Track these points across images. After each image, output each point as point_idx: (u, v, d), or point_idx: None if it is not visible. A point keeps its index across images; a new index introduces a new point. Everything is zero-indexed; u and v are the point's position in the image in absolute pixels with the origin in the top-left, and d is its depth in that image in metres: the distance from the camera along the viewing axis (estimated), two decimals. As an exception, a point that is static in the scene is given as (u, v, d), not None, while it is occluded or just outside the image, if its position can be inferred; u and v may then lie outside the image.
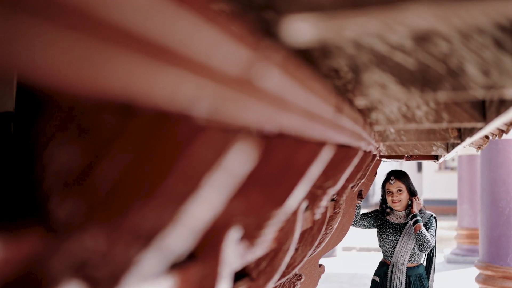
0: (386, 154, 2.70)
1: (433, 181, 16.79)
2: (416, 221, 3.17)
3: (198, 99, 0.34)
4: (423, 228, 3.15)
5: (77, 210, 0.41)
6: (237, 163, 0.44)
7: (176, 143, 0.40)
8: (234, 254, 0.76)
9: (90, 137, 0.41)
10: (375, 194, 17.10)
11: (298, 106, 0.56)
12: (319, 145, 0.83)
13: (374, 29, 0.54)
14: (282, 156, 0.75)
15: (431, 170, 16.92)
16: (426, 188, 16.61)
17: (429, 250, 3.15)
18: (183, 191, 0.41)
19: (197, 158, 0.40)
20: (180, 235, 0.44)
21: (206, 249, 0.69)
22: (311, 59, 0.73)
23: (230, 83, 0.36)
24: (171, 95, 0.32)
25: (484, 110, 1.24)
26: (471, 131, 1.57)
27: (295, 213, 1.13)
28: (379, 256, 3.61)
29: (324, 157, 0.88)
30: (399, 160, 3.36)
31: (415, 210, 3.24)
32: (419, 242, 3.12)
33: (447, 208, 15.26)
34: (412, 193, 3.38)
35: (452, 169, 16.40)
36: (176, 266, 0.62)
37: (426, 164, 16.67)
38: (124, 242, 0.41)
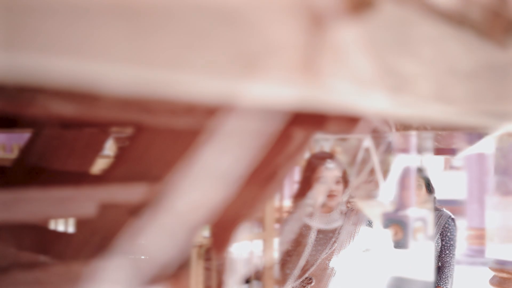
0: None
1: (437, 181, 16.61)
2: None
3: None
4: (443, 284, 3.02)
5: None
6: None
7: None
8: (243, 257, 0.60)
9: None
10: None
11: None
12: (352, 122, 0.66)
13: None
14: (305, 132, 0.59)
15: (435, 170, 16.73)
16: (430, 187, 16.43)
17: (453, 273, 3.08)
18: (167, 157, 0.24)
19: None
20: (165, 231, 0.27)
21: (208, 250, 0.53)
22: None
23: None
24: None
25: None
26: (505, 117, 1.40)
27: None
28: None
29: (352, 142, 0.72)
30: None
31: None
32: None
33: (452, 208, 15.09)
34: (430, 190, 3.21)
35: (457, 168, 16.18)
36: (166, 275, 0.46)
37: (429, 162, 16.46)
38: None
